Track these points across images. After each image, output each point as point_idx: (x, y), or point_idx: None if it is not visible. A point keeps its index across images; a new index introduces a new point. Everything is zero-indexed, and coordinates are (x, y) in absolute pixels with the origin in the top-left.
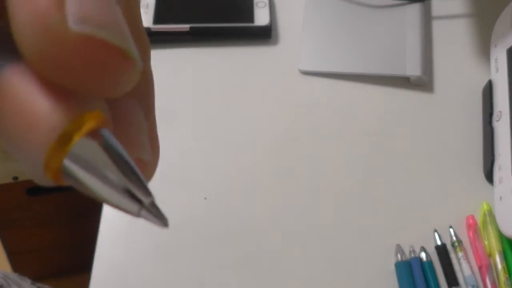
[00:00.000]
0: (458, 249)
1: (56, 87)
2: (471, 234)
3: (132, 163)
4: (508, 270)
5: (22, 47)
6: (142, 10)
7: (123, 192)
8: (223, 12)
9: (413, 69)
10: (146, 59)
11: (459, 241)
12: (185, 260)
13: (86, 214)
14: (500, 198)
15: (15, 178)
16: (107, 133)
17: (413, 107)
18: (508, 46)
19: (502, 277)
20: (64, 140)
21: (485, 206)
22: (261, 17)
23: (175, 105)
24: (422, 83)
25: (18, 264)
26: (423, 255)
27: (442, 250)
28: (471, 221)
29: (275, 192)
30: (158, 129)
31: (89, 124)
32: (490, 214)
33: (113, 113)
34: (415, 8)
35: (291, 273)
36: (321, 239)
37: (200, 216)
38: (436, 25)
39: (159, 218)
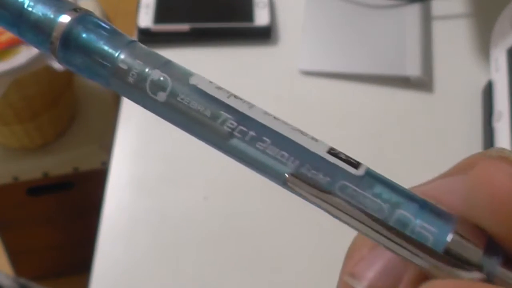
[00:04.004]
0: None
1: None
2: None
3: None
4: None
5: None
6: (142, 10)
7: None
8: (223, 12)
9: (413, 69)
10: None
11: None
12: (185, 260)
13: (86, 214)
14: None
15: (15, 178)
16: None
17: (413, 107)
18: (508, 46)
19: None
20: None
21: None
22: (261, 17)
23: None
24: (422, 83)
25: (18, 264)
26: None
27: None
28: None
29: (275, 191)
30: (157, 129)
31: None
32: None
33: None
34: (415, 8)
35: (291, 272)
36: (321, 238)
37: (200, 216)
38: (436, 25)
39: None
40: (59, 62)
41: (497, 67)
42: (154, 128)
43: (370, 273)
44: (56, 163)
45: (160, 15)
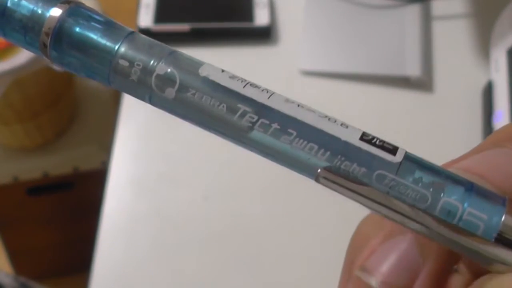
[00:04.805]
0: None
1: None
2: None
3: None
4: None
5: None
6: (142, 10)
7: None
8: (223, 12)
9: (413, 69)
10: None
11: None
12: (185, 260)
13: (86, 214)
14: None
15: (15, 178)
16: None
17: (413, 107)
18: (508, 46)
19: None
20: None
21: None
22: (261, 17)
23: None
24: (422, 83)
25: (18, 264)
26: None
27: None
28: None
29: (276, 191)
30: (157, 129)
31: None
32: None
33: None
34: (415, 8)
35: (292, 272)
36: (321, 238)
37: (200, 216)
38: (436, 25)
39: None
40: (52, 62)
41: (497, 67)
42: (154, 128)
43: (384, 267)
44: (56, 163)
45: (160, 15)
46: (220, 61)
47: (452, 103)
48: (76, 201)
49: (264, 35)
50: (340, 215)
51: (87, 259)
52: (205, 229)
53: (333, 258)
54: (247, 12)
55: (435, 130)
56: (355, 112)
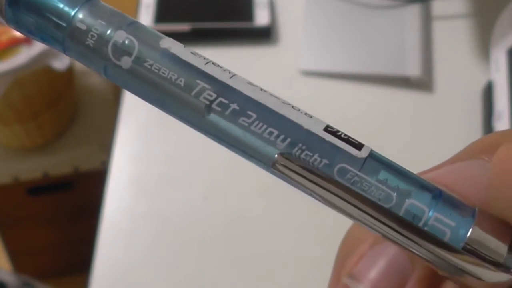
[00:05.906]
0: None
1: None
2: None
3: None
4: None
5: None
6: (142, 10)
7: None
8: (223, 12)
9: (413, 69)
10: None
11: None
12: (185, 260)
13: (86, 214)
14: None
15: (15, 178)
16: None
17: (413, 107)
18: (508, 46)
19: None
20: None
21: None
22: (261, 17)
23: None
24: (422, 83)
25: (18, 264)
26: None
27: None
28: None
29: (276, 191)
30: (157, 129)
31: None
32: None
33: None
34: (415, 8)
35: (292, 273)
36: (321, 238)
37: (200, 216)
38: (436, 25)
39: None
40: (8, 23)
41: (497, 67)
42: (154, 128)
43: (372, 273)
44: (56, 163)
45: (160, 15)
46: (220, 61)
47: (452, 103)
48: (76, 201)
49: (264, 35)
50: (340, 215)
51: (87, 259)
52: (205, 229)
53: (333, 258)
54: (247, 12)
55: (435, 130)
56: (355, 112)
